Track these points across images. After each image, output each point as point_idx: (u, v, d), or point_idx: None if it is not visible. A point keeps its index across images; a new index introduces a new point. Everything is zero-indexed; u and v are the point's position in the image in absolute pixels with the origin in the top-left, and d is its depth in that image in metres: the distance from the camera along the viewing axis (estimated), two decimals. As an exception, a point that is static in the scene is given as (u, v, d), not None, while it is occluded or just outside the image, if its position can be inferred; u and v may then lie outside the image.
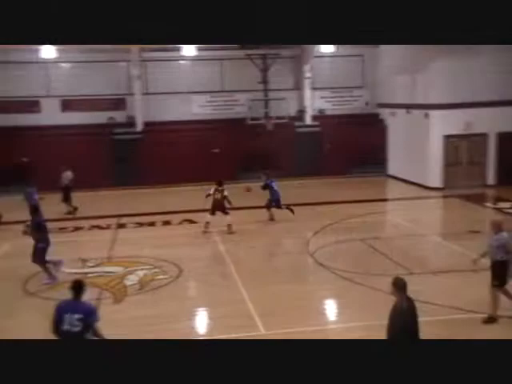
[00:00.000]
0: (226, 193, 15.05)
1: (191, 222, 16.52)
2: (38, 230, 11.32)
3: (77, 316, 6.02)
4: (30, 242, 11.26)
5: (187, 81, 23.94)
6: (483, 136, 20.60)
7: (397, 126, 23.21)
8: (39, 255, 11.22)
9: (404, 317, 5.95)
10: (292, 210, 16.17)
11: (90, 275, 11.72)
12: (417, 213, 17.92)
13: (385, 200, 20.51)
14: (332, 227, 15.50)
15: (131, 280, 11.35)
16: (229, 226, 14.90)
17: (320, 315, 9.76)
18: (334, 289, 10.89)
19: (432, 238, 14.78)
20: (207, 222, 14.93)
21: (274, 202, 16.14)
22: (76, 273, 11.82)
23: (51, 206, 16.94)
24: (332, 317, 9.94)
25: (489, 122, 20.09)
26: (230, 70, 23.77)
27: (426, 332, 6.44)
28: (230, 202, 15.02)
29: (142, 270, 11.99)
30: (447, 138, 20.49)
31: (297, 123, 24.25)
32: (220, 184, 15.18)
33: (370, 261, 12.51)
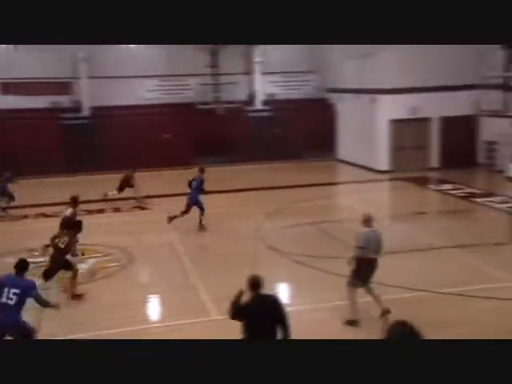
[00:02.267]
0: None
1: (142, 208, 16.22)
2: None
3: (14, 291, 6.65)
4: None
5: (135, 64, 23.33)
6: (427, 120, 21.09)
7: (346, 110, 23.44)
8: None
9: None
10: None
11: (35, 266, 11.28)
12: (366, 196, 18.19)
13: (335, 184, 20.78)
14: (284, 211, 15.55)
15: (82, 268, 11.01)
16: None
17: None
18: (288, 273, 10.92)
19: (381, 220, 15.03)
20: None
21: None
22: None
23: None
24: (293, 299, 9.83)
25: (432, 107, 20.54)
26: (178, 54, 23.28)
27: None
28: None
29: (93, 257, 11.68)
30: (394, 122, 20.87)
31: (248, 108, 24.14)
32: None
33: (322, 244, 12.61)
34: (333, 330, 7.98)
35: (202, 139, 22.38)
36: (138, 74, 23.35)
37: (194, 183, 13.81)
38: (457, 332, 7.67)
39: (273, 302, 5.91)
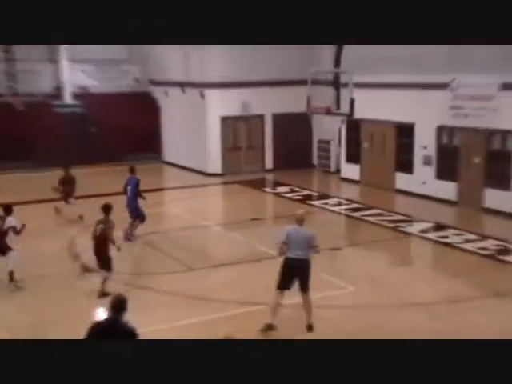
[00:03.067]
0: None
1: None
2: None
3: None
4: None
5: None
6: (260, 117, 21.85)
7: (171, 106, 23.28)
8: None
9: None
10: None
11: None
12: (196, 202, 18.21)
13: (162, 189, 20.47)
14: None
15: None
16: None
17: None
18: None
19: (214, 229, 15.13)
20: None
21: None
22: None
23: None
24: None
25: (265, 103, 21.20)
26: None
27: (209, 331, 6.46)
28: None
29: None
30: (225, 119, 21.25)
31: (55, 102, 22.90)
32: None
33: (147, 259, 12.36)
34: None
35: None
36: None
37: (128, 188, 13.24)
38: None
39: (127, 335, 5.59)
